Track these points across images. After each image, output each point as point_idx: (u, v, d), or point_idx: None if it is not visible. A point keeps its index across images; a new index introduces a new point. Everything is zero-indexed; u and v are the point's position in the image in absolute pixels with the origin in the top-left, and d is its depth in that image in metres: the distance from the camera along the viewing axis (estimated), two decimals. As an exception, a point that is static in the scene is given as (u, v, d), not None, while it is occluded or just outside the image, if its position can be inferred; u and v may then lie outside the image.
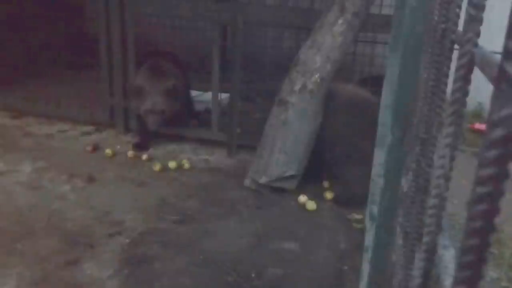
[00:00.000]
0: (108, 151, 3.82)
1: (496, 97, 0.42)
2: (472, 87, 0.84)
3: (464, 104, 0.80)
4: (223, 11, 3.74)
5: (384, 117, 1.69)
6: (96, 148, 3.91)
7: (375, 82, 3.69)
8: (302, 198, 3.23)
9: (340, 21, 3.15)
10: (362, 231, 2.29)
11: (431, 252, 0.84)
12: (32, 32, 5.13)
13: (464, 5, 0.86)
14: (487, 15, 0.90)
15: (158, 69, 3.88)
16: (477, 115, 4.74)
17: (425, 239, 0.84)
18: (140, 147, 3.93)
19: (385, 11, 4.01)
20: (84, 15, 5.77)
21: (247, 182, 3.41)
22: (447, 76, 1.12)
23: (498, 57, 0.51)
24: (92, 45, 4.56)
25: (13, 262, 2.48)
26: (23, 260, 2.50)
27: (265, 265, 2.58)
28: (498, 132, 0.40)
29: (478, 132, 4.47)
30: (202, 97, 4.86)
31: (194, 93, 4.77)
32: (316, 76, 3.21)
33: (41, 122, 4.41)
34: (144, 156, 3.79)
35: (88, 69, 5.15)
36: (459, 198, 3.03)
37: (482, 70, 0.66)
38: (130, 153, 3.84)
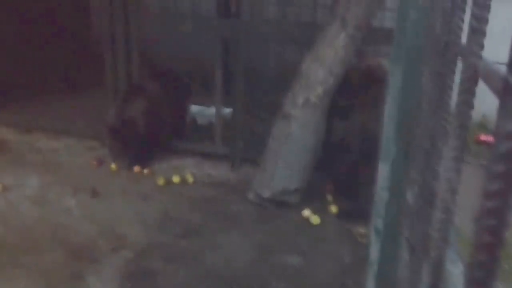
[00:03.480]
0: (113, 165, 3.83)
1: (502, 111, 0.41)
2: (476, 98, 0.84)
3: (469, 117, 0.80)
4: (225, 27, 3.76)
5: (387, 129, 1.68)
6: (101, 162, 3.92)
7: None
8: (306, 212, 3.21)
9: (342, 35, 3.16)
10: (367, 245, 2.27)
11: (439, 267, 0.83)
12: (39, 51, 5.18)
13: (467, 17, 0.86)
14: (489, 23, 0.90)
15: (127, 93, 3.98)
16: (482, 127, 4.72)
17: (433, 254, 0.83)
18: (140, 162, 3.90)
19: (387, 24, 4.02)
20: (90, 34, 5.80)
21: (250, 196, 3.40)
22: (451, 88, 1.12)
23: (503, 68, 0.51)
24: (97, 64, 4.59)
25: (18, 275, 2.48)
26: (28, 273, 2.51)
27: (268, 279, 2.56)
28: (505, 146, 0.40)
29: (483, 143, 4.44)
30: (205, 111, 4.87)
31: (197, 107, 4.77)
32: (319, 89, 3.21)
33: (48, 138, 4.44)
34: (146, 171, 3.79)
35: (93, 88, 5.17)
36: (464, 211, 3.00)
37: (487, 82, 0.66)
38: (135, 167, 3.84)
